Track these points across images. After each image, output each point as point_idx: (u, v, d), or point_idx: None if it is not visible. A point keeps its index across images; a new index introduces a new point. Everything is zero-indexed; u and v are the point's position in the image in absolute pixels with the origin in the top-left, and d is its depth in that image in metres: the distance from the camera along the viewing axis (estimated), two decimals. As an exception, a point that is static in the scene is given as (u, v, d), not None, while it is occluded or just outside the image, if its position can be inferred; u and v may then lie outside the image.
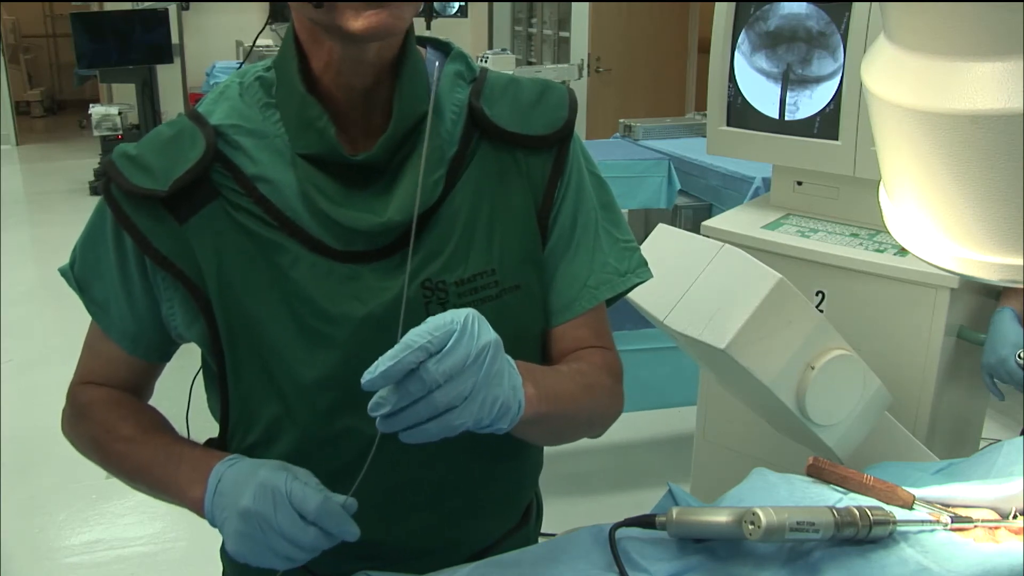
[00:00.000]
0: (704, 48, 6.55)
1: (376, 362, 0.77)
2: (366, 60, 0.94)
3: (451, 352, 0.78)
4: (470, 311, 0.81)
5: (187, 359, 1.13)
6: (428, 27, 6.18)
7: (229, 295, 0.96)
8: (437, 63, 1.02)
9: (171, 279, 0.97)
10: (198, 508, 0.93)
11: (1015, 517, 1.09)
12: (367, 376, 0.77)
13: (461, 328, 0.79)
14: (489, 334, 0.82)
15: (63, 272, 1.06)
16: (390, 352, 0.77)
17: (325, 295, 0.96)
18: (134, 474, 1.02)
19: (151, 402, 1.13)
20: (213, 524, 0.92)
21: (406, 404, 0.78)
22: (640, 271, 1.07)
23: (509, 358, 0.86)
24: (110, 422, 1.04)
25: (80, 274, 1.04)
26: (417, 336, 0.78)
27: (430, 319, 0.80)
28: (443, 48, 1.05)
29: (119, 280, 1.01)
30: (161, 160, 0.96)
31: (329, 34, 0.91)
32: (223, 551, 1.19)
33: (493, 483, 1.09)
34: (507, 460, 1.09)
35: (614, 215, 1.08)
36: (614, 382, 1.07)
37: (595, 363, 1.04)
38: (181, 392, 1.15)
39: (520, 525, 1.16)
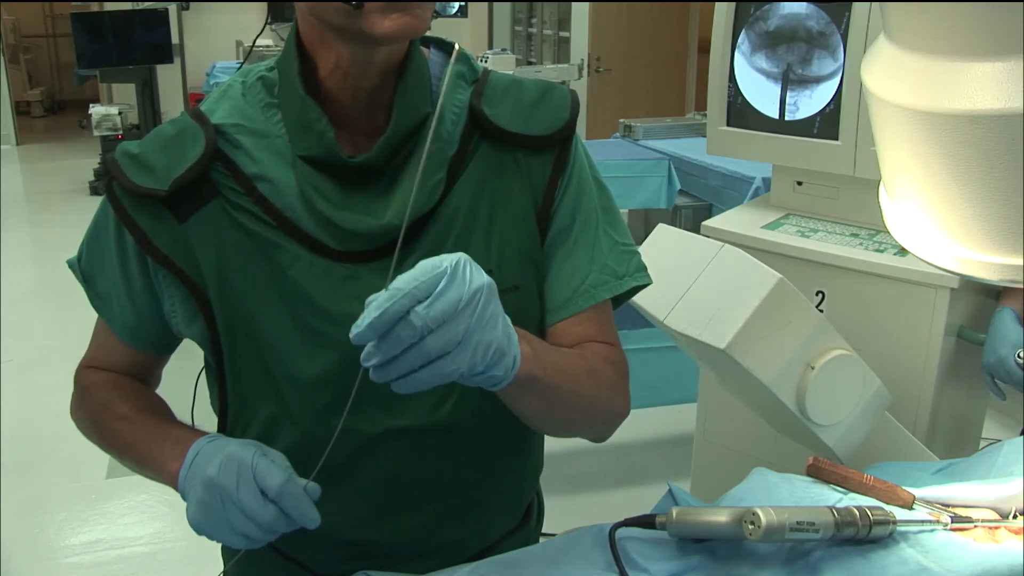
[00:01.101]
0: (704, 48, 6.54)
1: (363, 314, 0.75)
2: (376, 62, 0.94)
3: (442, 296, 0.75)
4: (461, 255, 0.79)
5: (190, 359, 1.13)
6: (428, 27, 6.17)
7: (228, 294, 0.97)
8: (439, 63, 1.03)
9: (172, 277, 0.98)
10: (174, 482, 0.93)
11: (1015, 517, 1.09)
12: (355, 330, 0.75)
13: (452, 272, 0.76)
14: (482, 278, 0.79)
15: (71, 264, 1.08)
16: (377, 301, 0.75)
17: (324, 294, 0.96)
18: (124, 450, 1.03)
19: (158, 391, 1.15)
20: (184, 497, 0.91)
21: (398, 352, 0.76)
22: (639, 275, 1.07)
23: (506, 318, 0.84)
24: (108, 401, 1.06)
25: (86, 267, 1.06)
26: (403, 283, 0.75)
27: (420, 263, 0.77)
28: (446, 48, 1.05)
29: (120, 276, 1.02)
30: (162, 159, 0.96)
31: (345, 38, 0.91)
32: (224, 548, 1.19)
33: (493, 482, 1.09)
34: (507, 459, 1.09)
35: (614, 218, 1.08)
36: (618, 376, 1.06)
37: (599, 354, 1.03)
38: (185, 390, 1.15)
39: (521, 525, 1.16)
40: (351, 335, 0.76)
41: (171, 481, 0.94)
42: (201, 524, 0.88)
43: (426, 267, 0.77)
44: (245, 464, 0.86)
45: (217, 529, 0.87)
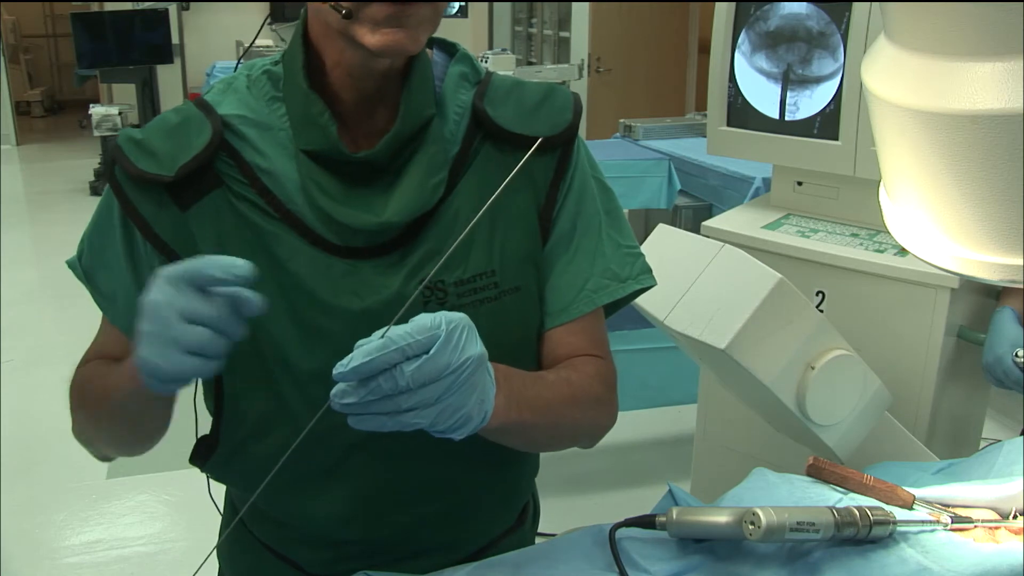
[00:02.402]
0: (704, 48, 6.55)
1: (351, 355, 0.76)
2: (378, 68, 0.94)
3: (431, 360, 0.76)
4: (462, 319, 0.80)
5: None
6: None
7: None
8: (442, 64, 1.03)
9: None
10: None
11: (1015, 517, 1.09)
12: (339, 369, 0.76)
13: (446, 337, 0.77)
14: (474, 348, 0.80)
15: (71, 264, 1.06)
16: (366, 347, 0.76)
17: (324, 288, 0.96)
18: (100, 400, 0.96)
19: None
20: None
21: (372, 399, 0.77)
22: (642, 277, 1.06)
23: (490, 366, 0.85)
24: (91, 374, 1.01)
25: (87, 265, 1.04)
26: (397, 337, 0.76)
27: (418, 318, 0.78)
28: (448, 49, 1.05)
29: (127, 266, 1.00)
30: (167, 145, 0.96)
31: (343, 41, 0.91)
32: (219, 549, 1.19)
33: (490, 483, 1.09)
34: (504, 461, 1.09)
35: (618, 221, 1.08)
36: (606, 392, 1.05)
37: (587, 373, 1.03)
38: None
39: (516, 526, 1.16)
40: (334, 372, 0.76)
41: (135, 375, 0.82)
42: (149, 358, 0.77)
43: (424, 325, 0.77)
44: (178, 271, 0.77)
45: (166, 356, 0.76)
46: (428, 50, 1.03)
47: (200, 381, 1.09)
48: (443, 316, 0.79)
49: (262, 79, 0.99)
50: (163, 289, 0.78)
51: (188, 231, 0.96)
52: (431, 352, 0.77)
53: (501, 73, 1.07)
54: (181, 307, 0.76)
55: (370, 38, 0.87)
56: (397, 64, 0.96)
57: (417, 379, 0.76)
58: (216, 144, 0.95)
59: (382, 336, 0.76)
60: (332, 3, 0.86)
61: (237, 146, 0.97)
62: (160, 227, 0.96)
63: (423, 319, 0.78)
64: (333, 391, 0.78)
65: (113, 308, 1.04)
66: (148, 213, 0.96)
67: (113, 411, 0.97)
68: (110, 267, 1.02)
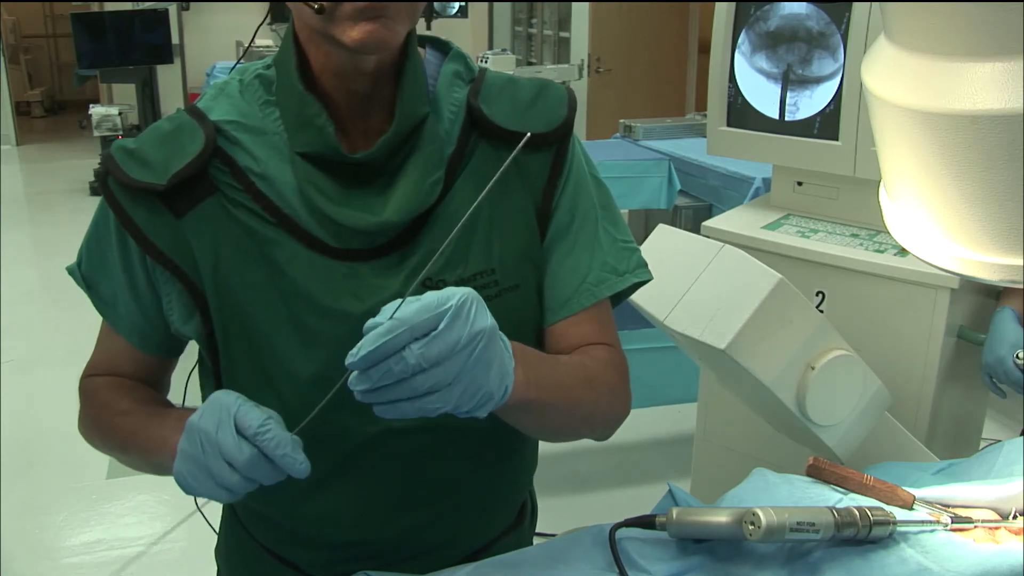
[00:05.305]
0: (704, 48, 6.55)
1: (360, 343, 0.76)
2: (364, 68, 0.94)
3: (440, 337, 0.76)
4: (469, 292, 0.79)
5: (185, 358, 1.13)
6: (428, 27, 6.18)
7: (225, 290, 0.96)
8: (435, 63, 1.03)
9: (168, 274, 0.97)
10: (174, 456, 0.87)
11: (1015, 517, 1.09)
12: (350, 359, 0.76)
13: (455, 311, 0.77)
14: (485, 320, 0.79)
15: (71, 271, 1.06)
16: (375, 332, 0.75)
17: (323, 292, 0.96)
18: (127, 443, 1.00)
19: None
20: None
21: (387, 383, 0.76)
22: (639, 271, 1.07)
23: (505, 340, 0.84)
24: (108, 400, 1.04)
25: (87, 272, 1.04)
26: (406, 315, 0.76)
27: (426, 296, 0.78)
28: (442, 48, 1.05)
29: (124, 275, 1.01)
30: (160, 154, 0.96)
31: (326, 42, 0.91)
32: (217, 550, 1.19)
33: (488, 482, 1.09)
34: (505, 458, 1.09)
35: (613, 216, 1.08)
36: (619, 380, 1.06)
37: (600, 359, 1.03)
38: (176, 389, 1.15)
39: (515, 525, 1.16)
40: (346, 362, 0.76)
41: (173, 457, 0.89)
42: (184, 475, 0.84)
43: (432, 302, 0.77)
44: (227, 407, 0.84)
45: (199, 479, 0.83)
46: (421, 49, 1.03)
47: (200, 385, 1.09)
48: (450, 291, 0.78)
49: (254, 83, 0.98)
50: (209, 416, 0.84)
51: (184, 239, 0.96)
52: (440, 327, 0.76)
53: (494, 71, 1.07)
54: (218, 445, 0.82)
55: (349, 34, 0.86)
56: (385, 62, 0.95)
57: (427, 357, 0.75)
58: (209, 150, 0.95)
59: (390, 317, 0.76)
60: (305, 1, 0.86)
61: (231, 152, 0.97)
62: (155, 236, 0.96)
63: (432, 296, 0.77)
64: (351, 378, 0.78)
65: (114, 314, 1.04)
66: (143, 222, 0.96)
67: (136, 459, 1.01)
68: (109, 274, 1.02)
